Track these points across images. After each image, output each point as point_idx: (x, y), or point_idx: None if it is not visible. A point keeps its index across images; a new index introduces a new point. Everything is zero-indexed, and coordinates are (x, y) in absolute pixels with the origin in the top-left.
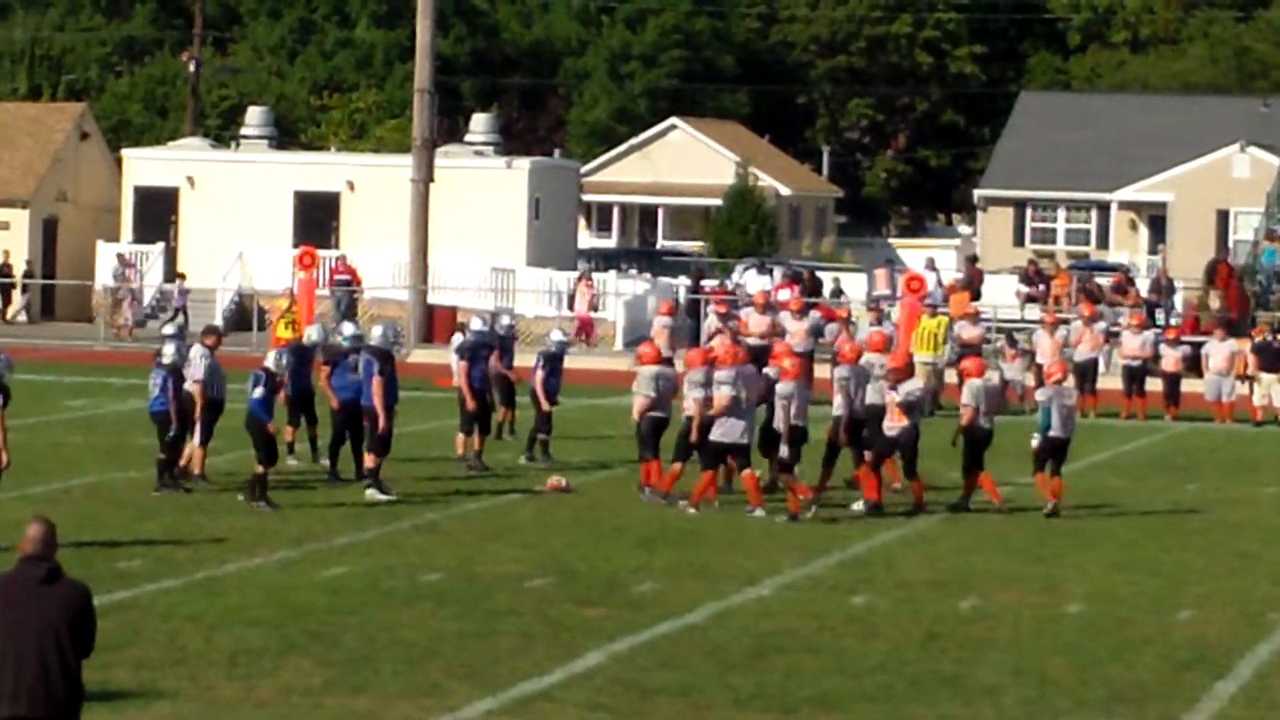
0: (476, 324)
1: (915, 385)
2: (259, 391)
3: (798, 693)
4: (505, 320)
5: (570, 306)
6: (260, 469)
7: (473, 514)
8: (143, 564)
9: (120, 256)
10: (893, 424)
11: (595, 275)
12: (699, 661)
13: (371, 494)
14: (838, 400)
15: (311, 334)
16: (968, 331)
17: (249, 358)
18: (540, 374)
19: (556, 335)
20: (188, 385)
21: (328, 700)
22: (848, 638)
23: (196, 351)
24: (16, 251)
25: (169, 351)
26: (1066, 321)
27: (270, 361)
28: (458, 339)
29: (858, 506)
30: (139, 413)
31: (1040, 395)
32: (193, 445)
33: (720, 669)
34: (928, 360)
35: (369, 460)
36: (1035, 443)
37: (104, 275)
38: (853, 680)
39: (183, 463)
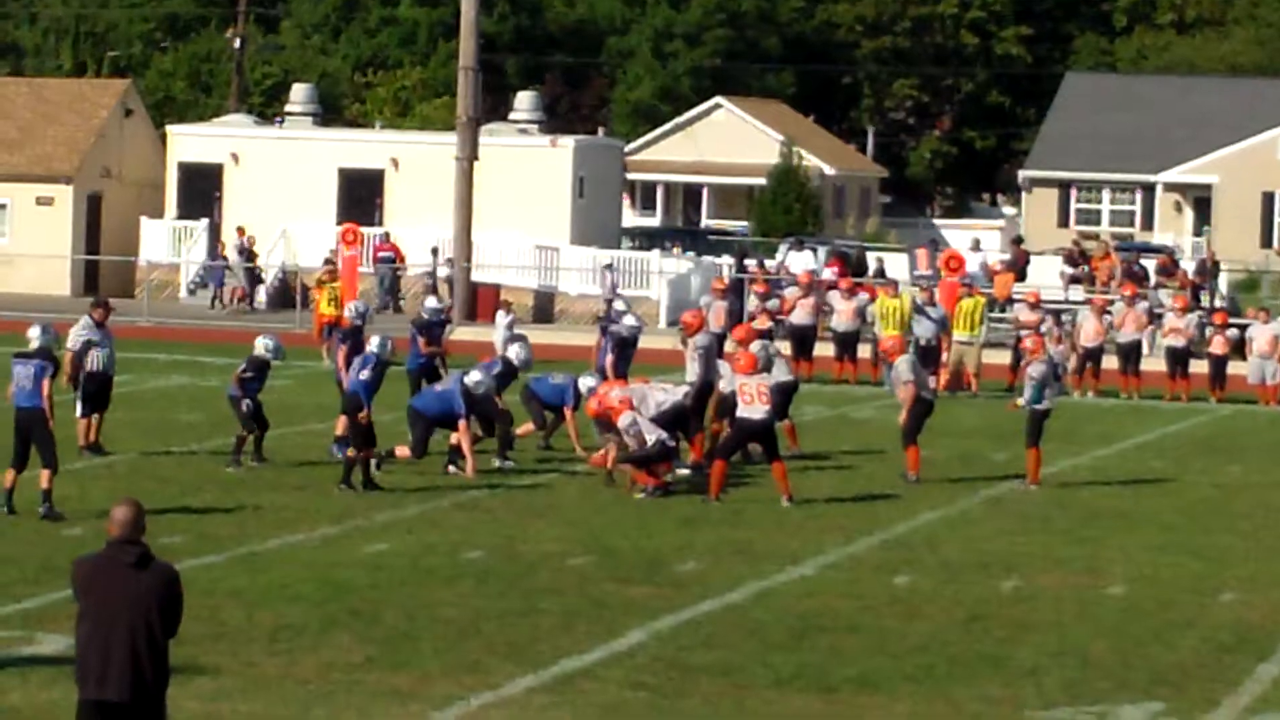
0: (631, 319)
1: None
2: (365, 374)
3: (839, 672)
4: (631, 320)
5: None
6: (353, 453)
7: (515, 492)
8: (185, 540)
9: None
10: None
11: (637, 254)
12: (740, 640)
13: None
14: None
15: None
16: (1025, 315)
17: (294, 334)
18: (610, 357)
19: (630, 320)
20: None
21: (368, 677)
22: (889, 618)
23: (81, 322)
24: (61, 227)
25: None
26: (1113, 303)
27: (374, 346)
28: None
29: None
30: (182, 389)
31: (1034, 371)
32: (86, 418)
33: (761, 648)
34: (964, 340)
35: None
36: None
37: (148, 251)
38: (894, 660)
39: (84, 441)
